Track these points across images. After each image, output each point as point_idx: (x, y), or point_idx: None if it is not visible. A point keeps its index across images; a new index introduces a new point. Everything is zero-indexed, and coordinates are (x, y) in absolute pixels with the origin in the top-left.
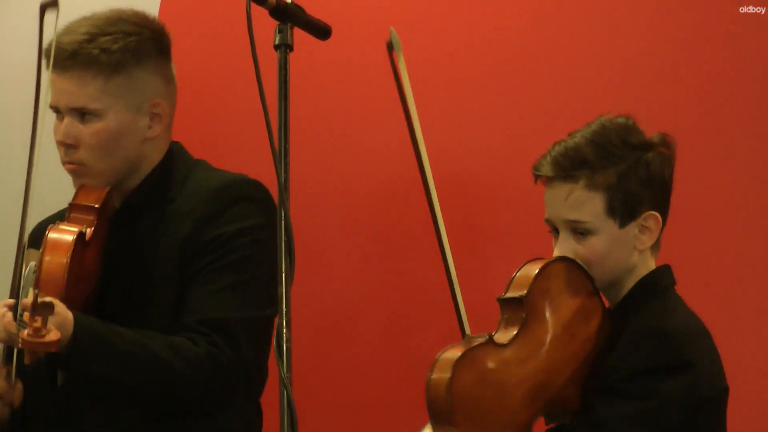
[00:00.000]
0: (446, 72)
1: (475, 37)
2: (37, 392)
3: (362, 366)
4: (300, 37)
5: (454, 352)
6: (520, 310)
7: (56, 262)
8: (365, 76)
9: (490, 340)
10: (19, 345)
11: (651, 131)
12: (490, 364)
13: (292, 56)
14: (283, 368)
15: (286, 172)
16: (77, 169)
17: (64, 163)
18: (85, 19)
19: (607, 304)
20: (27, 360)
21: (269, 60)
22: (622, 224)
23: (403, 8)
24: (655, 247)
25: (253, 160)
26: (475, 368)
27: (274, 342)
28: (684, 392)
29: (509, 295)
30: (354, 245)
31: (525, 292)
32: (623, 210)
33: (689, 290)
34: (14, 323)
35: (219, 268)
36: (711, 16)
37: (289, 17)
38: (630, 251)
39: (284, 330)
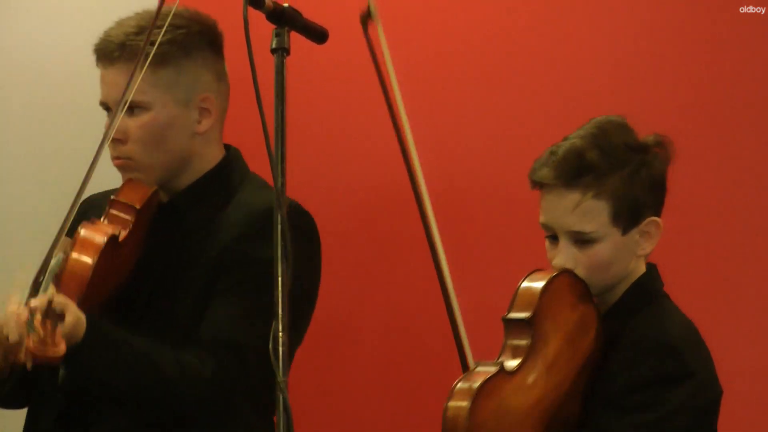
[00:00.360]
0: (439, 74)
1: (470, 39)
2: (39, 389)
3: (358, 371)
4: (297, 40)
5: (470, 383)
6: (526, 331)
7: (83, 261)
8: (363, 79)
9: (502, 369)
10: (23, 353)
11: (651, 132)
12: (506, 393)
13: (290, 59)
14: (279, 372)
15: (283, 176)
16: (125, 164)
17: (112, 158)
18: (136, 14)
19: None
20: (29, 366)
21: (267, 63)
22: (625, 231)
23: (398, 10)
24: None
25: (250, 163)
26: (493, 399)
27: (270, 346)
28: (688, 400)
29: (514, 315)
30: (353, 249)
31: (531, 313)
32: (628, 217)
33: (674, 289)
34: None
35: (248, 290)
36: (711, 16)
37: (286, 21)
38: (630, 257)
39: (280, 334)
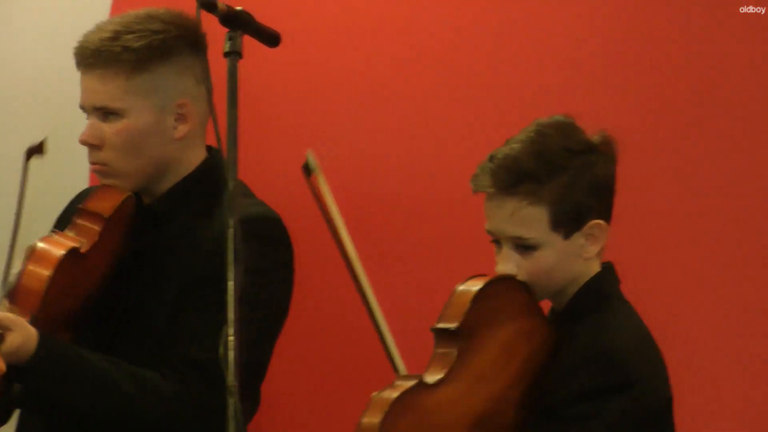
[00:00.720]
0: (385, 77)
1: (415, 38)
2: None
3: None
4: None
5: (385, 398)
6: (454, 342)
7: (38, 274)
8: (320, 80)
9: (421, 383)
10: None
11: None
12: (425, 407)
13: (246, 62)
14: (228, 376)
15: (235, 179)
16: (102, 170)
17: (90, 164)
18: (116, 17)
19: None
20: None
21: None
22: (567, 235)
23: (353, 12)
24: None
25: None
26: (409, 414)
27: (221, 350)
28: (629, 410)
29: (442, 325)
30: (308, 254)
31: (459, 323)
32: (568, 222)
33: (632, 288)
34: None
35: (217, 304)
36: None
37: (238, 24)
38: (576, 260)
39: (230, 337)
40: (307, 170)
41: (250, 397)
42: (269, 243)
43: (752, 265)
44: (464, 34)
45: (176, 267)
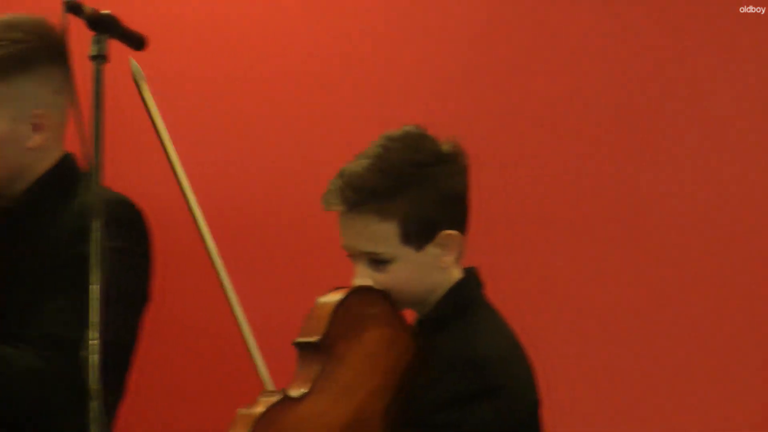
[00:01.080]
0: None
1: (283, 41)
2: None
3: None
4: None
5: (249, 414)
6: (316, 354)
7: None
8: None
9: (286, 397)
10: None
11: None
12: (290, 422)
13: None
14: (90, 380)
15: (100, 182)
16: None
17: None
18: None
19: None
20: None
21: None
22: (419, 248)
23: (219, 15)
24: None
25: None
26: (274, 430)
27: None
28: (493, 417)
29: (303, 339)
30: (176, 261)
31: (320, 335)
32: (418, 235)
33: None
34: None
35: (75, 286)
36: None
37: (104, 28)
38: (432, 271)
39: (93, 341)
40: (135, 79)
41: (113, 387)
42: (122, 225)
43: (627, 264)
44: (330, 38)
45: (35, 259)
